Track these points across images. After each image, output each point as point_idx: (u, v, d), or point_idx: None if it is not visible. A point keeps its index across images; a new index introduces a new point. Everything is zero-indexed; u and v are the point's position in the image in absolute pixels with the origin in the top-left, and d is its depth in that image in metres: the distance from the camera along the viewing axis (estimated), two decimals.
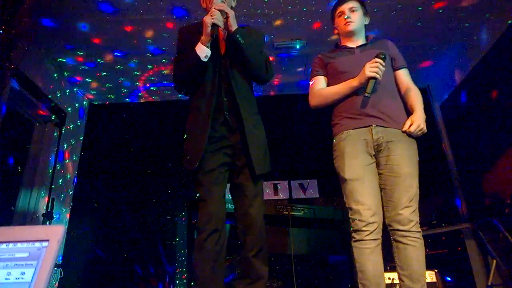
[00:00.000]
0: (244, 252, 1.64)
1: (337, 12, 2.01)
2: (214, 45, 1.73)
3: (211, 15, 1.65)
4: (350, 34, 1.99)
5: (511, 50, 3.09)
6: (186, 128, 1.77)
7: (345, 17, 1.94)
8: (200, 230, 1.59)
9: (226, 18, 1.68)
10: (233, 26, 1.70)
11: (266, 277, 1.64)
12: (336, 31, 2.11)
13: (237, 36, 1.69)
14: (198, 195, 1.68)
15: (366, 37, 2.04)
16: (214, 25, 1.65)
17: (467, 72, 3.76)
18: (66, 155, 4.02)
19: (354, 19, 1.95)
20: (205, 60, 1.66)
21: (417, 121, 1.76)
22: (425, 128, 1.77)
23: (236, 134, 1.69)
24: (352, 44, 2.00)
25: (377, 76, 1.74)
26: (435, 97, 4.43)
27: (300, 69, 4.20)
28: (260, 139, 1.74)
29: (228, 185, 1.77)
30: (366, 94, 1.75)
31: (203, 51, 1.65)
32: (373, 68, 1.74)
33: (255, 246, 1.63)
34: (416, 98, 1.86)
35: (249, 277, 1.62)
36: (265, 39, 3.54)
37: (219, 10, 1.66)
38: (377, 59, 1.76)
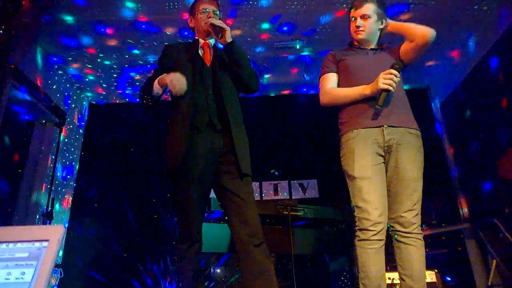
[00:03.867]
0: (243, 245, 1.58)
1: (350, 16, 1.94)
2: (198, 57, 1.81)
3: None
4: (360, 42, 1.94)
5: (511, 50, 3.08)
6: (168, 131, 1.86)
7: (356, 25, 1.88)
8: (182, 240, 1.64)
9: (223, 32, 1.74)
10: (229, 38, 1.77)
11: (271, 270, 1.56)
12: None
13: (236, 46, 1.78)
14: (177, 201, 1.70)
15: (381, 44, 1.97)
16: (215, 26, 1.74)
17: (467, 72, 3.76)
18: (66, 155, 4.02)
19: (365, 27, 1.87)
20: (156, 95, 1.85)
21: None
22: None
23: (222, 138, 1.70)
24: (364, 46, 1.95)
25: (390, 88, 1.67)
26: (435, 97, 4.43)
27: (299, 69, 4.19)
28: (245, 143, 1.76)
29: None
30: (377, 107, 1.69)
31: (157, 89, 1.82)
32: (386, 80, 1.66)
33: (255, 238, 1.58)
34: None
35: (252, 271, 1.54)
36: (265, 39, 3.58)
37: (217, 25, 1.73)
38: (392, 70, 1.68)
